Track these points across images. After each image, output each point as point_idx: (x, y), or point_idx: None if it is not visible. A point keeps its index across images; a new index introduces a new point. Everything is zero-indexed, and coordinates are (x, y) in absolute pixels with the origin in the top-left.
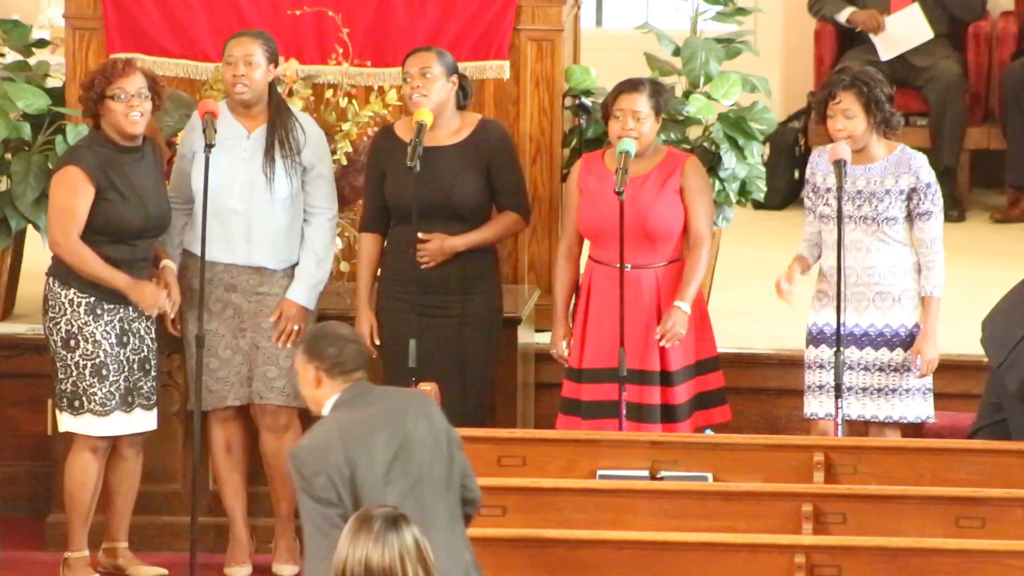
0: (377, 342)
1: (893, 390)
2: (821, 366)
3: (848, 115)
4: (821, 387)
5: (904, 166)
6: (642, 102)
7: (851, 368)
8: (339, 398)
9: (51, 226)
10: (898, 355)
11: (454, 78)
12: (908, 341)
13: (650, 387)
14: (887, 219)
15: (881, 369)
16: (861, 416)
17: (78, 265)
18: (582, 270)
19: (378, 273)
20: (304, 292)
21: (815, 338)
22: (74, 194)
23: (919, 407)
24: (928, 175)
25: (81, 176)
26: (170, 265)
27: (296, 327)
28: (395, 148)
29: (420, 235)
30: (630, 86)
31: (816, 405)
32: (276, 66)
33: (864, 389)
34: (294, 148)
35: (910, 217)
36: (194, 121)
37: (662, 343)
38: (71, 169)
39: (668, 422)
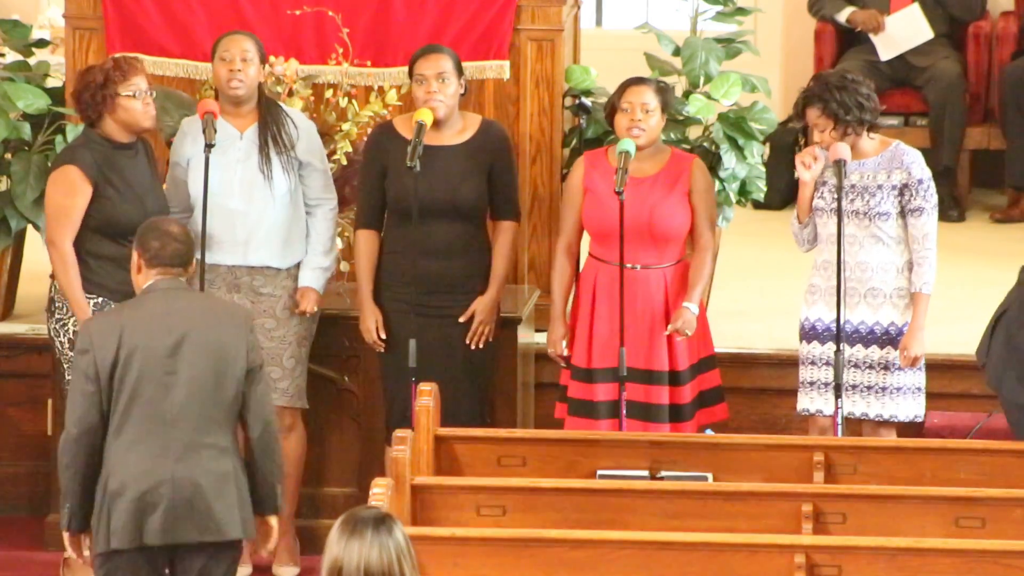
0: (383, 336)
1: (883, 388)
2: (813, 362)
3: (820, 128)
4: (813, 383)
5: (896, 161)
6: (650, 95)
7: (843, 364)
8: (148, 286)
9: (48, 226)
10: (889, 353)
11: (463, 80)
12: (899, 339)
13: (658, 387)
14: (879, 214)
15: (871, 367)
16: (851, 413)
17: (58, 272)
18: (580, 268)
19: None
20: (315, 277)
21: (807, 334)
22: (71, 193)
23: (909, 406)
24: (920, 171)
25: (79, 175)
26: None
27: (315, 309)
28: (396, 146)
29: (461, 319)
30: (637, 80)
31: (807, 401)
32: (264, 67)
33: (855, 386)
34: (288, 144)
35: (903, 213)
36: (185, 127)
37: (668, 332)
38: (68, 168)
39: (675, 421)
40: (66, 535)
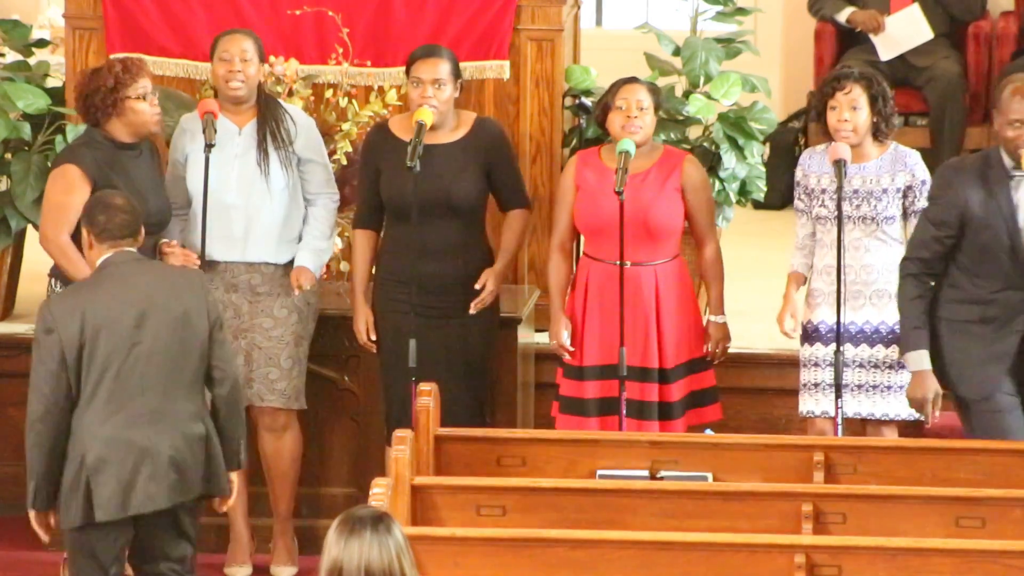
0: (373, 337)
1: (888, 387)
2: (816, 364)
3: (855, 106)
4: (816, 385)
5: (900, 164)
6: (643, 94)
7: (846, 365)
8: (104, 261)
9: (43, 222)
10: (893, 352)
11: (459, 82)
12: None
13: (650, 384)
14: (886, 218)
15: (876, 366)
16: (857, 413)
17: (63, 264)
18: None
19: (373, 271)
20: (311, 258)
21: (810, 336)
22: (69, 191)
23: None
24: (923, 172)
25: (78, 174)
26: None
27: (309, 287)
28: (390, 146)
29: (476, 286)
30: (630, 79)
31: (812, 403)
32: (263, 66)
33: (860, 386)
34: (286, 140)
35: (905, 215)
36: (184, 124)
37: (716, 363)
38: (68, 167)
39: (664, 419)
40: (31, 513)
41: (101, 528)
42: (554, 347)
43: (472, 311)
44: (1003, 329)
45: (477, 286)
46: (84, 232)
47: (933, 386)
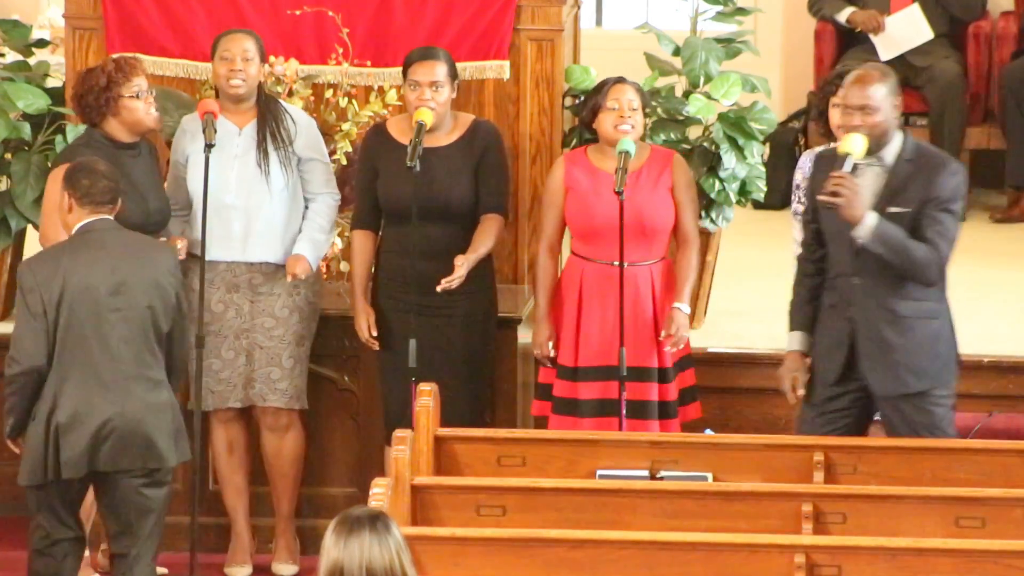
0: (375, 334)
1: None
2: None
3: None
4: None
5: None
6: (633, 94)
7: None
8: (83, 226)
9: (43, 222)
10: None
11: (456, 83)
12: None
13: (649, 384)
14: None
15: None
16: None
17: None
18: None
19: (372, 270)
20: (309, 248)
21: None
22: None
23: None
24: None
25: None
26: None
27: (302, 275)
28: (387, 147)
29: (456, 262)
30: (618, 79)
31: None
32: (264, 65)
33: None
34: (286, 139)
35: None
36: (185, 125)
37: (667, 348)
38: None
39: (664, 418)
40: (9, 440)
41: (62, 483)
42: (537, 354)
43: (438, 289)
44: (841, 315)
45: (456, 262)
46: (65, 196)
47: (791, 367)
